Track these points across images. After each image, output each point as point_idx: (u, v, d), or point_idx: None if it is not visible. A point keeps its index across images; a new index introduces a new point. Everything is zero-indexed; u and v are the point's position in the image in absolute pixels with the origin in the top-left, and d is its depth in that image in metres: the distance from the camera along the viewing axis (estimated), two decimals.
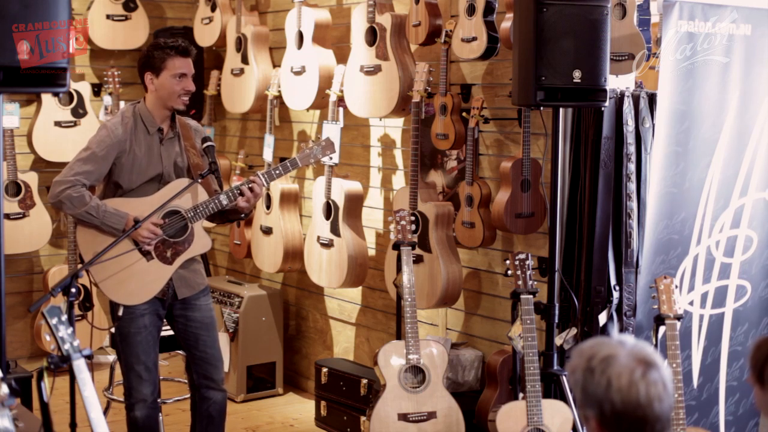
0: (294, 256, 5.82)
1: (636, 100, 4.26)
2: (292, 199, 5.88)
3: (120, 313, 4.01)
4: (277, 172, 4.15)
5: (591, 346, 2.07)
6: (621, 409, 1.99)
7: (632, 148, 4.26)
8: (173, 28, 6.73)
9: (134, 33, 6.56)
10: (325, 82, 5.51)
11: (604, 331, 4.28)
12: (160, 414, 4.28)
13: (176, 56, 4.09)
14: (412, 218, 4.67)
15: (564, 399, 3.97)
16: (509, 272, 4.04)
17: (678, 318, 3.80)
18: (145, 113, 4.12)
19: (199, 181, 4.08)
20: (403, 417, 4.31)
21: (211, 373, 4.24)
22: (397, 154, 5.51)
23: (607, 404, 2.00)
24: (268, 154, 5.92)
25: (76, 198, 3.96)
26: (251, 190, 4.07)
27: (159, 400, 4.24)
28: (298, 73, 5.65)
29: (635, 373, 2.00)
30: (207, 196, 4.10)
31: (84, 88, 6.40)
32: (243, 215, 4.22)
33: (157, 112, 4.12)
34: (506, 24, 4.54)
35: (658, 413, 2.01)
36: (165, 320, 4.25)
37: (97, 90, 6.57)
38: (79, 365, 2.66)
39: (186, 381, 5.26)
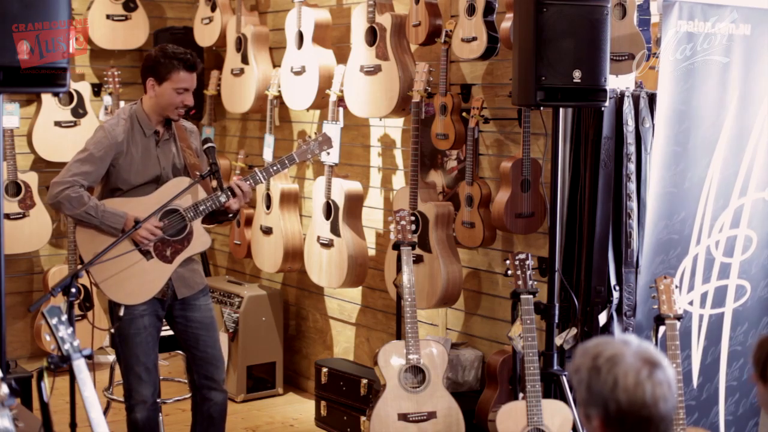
0: (294, 256, 5.82)
1: (636, 100, 4.26)
2: (292, 199, 5.88)
3: (121, 313, 4.01)
4: (275, 168, 4.14)
5: (595, 345, 2.07)
6: (626, 408, 1.99)
7: (632, 148, 4.26)
8: (173, 28, 6.73)
9: (134, 33, 6.56)
10: (325, 82, 5.51)
11: (604, 331, 4.28)
12: (160, 414, 4.28)
13: (183, 70, 4.06)
14: (412, 218, 4.67)
15: (564, 399, 3.97)
16: (509, 272, 4.04)
17: (678, 318, 3.80)
18: (142, 116, 4.12)
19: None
20: (403, 417, 4.31)
21: (212, 374, 4.24)
22: (397, 154, 5.51)
23: (612, 403, 2.00)
24: (268, 154, 5.92)
25: (75, 198, 3.96)
26: (240, 188, 4.06)
27: (159, 400, 4.24)
28: (298, 73, 5.65)
29: (641, 373, 2.00)
30: (206, 195, 4.10)
31: (84, 88, 6.40)
32: (231, 215, 4.20)
33: (153, 116, 4.13)
34: (506, 24, 4.54)
35: (663, 413, 2.01)
36: (165, 321, 4.25)
37: (97, 90, 6.57)
38: (79, 365, 2.66)
39: (186, 381, 5.26)
